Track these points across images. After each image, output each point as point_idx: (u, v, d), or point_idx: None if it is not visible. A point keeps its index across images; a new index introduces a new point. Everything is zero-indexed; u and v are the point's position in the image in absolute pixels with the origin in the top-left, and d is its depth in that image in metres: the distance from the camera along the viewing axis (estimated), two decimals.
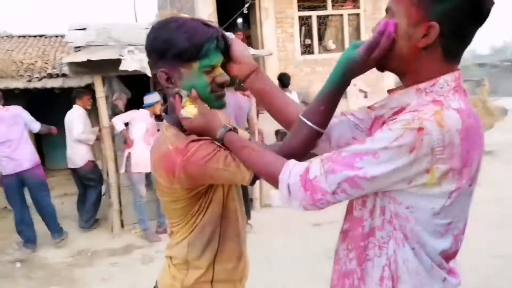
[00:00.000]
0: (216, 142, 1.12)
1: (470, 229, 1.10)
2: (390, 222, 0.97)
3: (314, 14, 8.76)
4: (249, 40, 8.62)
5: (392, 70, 1.01)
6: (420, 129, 0.85)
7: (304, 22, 8.77)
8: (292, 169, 0.99)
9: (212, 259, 1.24)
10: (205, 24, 1.12)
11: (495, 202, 4.87)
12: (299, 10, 8.63)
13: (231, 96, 4.78)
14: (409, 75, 0.98)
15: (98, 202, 5.34)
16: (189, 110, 1.11)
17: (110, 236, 4.91)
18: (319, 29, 8.89)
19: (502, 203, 4.93)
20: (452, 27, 0.90)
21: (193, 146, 1.09)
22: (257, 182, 5.19)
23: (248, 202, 5.19)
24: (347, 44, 8.95)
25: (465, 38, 0.94)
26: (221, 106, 1.19)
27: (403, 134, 0.86)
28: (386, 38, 0.93)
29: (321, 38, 8.99)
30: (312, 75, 8.62)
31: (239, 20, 9.67)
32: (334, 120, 1.15)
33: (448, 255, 0.99)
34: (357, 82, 8.71)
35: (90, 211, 5.23)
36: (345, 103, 8.53)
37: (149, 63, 1.18)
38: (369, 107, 1.14)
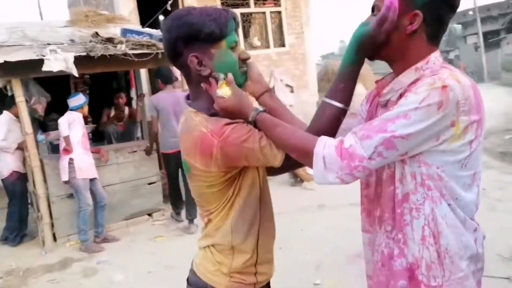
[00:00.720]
0: (248, 124, 1.16)
1: None
2: (422, 185, 1.05)
3: (238, 11, 8.82)
4: None
5: (384, 58, 1.13)
6: (444, 86, 0.95)
7: None
8: (326, 142, 1.04)
9: (255, 242, 1.26)
10: (222, 9, 1.20)
11: None
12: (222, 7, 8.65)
13: (170, 93, 4.77)
14: (400, 61, 1.10)
15: (23, 216, 4.90)
16: (224, 91, 1.14)
17: (42, 251, 4.52)
18: (243, 27, 8.99)
19: None
20: (432, 14, 1.05)
21: (228, 128, 1.13)
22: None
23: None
24: (271, 41, 9.19)
25: (444, 23, 1.09)
26: (245, 80, 1.27)
27: (430, 94, 0.95)
28: (392, 12, 1.03)
29: (246, 35, 9.10)
30: None
31: (161, 17, 9.40)
32: (352, 122, 1.25)
33: (476, 208, 1.11)
34: (283, 78, 9.00)
35: (16, 227, 4.78)
36: None
37: (172, 52, 1.19)
38: (377, 94, 1.22)
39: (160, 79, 4.83)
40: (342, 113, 1.11)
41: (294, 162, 1.14)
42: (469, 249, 1.07)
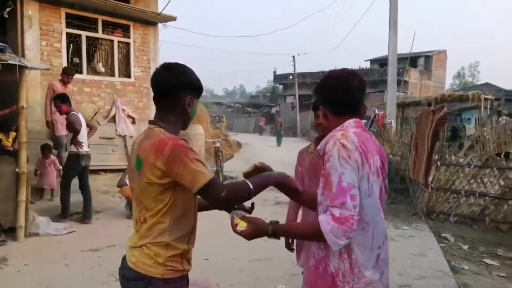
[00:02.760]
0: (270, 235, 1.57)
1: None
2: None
3: (83, 34, 8.51)
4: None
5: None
6: (343, 145, 1.48)
7: (73, 39, 8.39)
8: (323, 220, 1.43)
9: (187, 242, 1.63)
10: None
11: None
12: (67, 27, 8.23)
13: None
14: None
15: None
16: (241, 225, 1.58)
17: None
18: (88, 50, 8.67)
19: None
20: (333, 108, 1.65)
21: (183, 141, 1.52)
22: (22, 209, 4.95)
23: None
24: (117, 69, 9.07)
25: (341, 103, 1.62)
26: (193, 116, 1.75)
27: (339, 155, 1.46)
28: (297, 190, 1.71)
29: (90, 59, 8.77)
30: (79, 95, 8.25)
31: None
32: None
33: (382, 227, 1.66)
34: (126, 108, 8.91)
35: None
36: (114, 127, 8.53)
37: (172, 88, 1.61)
38: (314, 149, 1.72)
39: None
40: (251, 192, 1.52)
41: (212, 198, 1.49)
42: (372, 262, 1.52)
